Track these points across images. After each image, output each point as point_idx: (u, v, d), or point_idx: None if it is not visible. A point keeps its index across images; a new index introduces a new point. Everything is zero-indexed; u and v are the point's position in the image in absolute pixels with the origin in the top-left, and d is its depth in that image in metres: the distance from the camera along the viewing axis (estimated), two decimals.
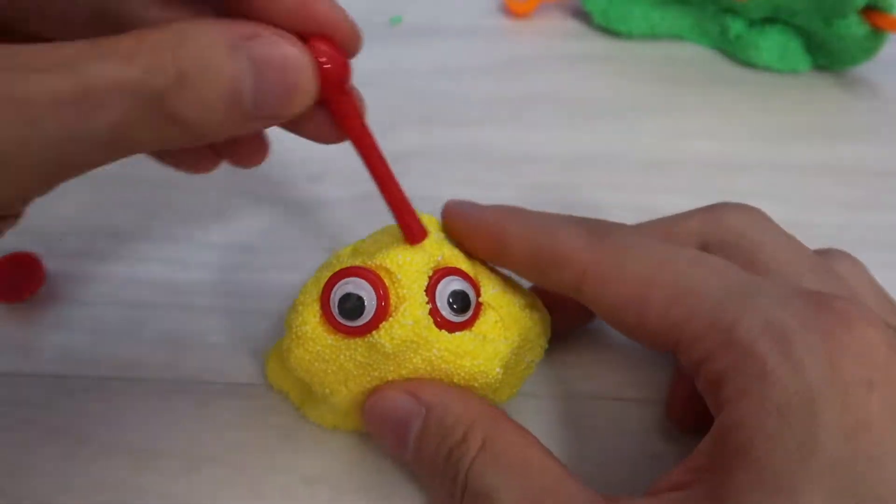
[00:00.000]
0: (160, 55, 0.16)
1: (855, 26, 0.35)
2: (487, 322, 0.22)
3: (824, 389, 0.16)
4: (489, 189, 0.32)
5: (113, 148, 0.16)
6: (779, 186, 0.33)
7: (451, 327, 0.21)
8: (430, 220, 0.25)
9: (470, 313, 0.22)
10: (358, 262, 0.22)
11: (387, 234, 0.24)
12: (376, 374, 0.21)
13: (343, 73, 0.19)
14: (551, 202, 0.32)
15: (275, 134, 0.35)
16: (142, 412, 0.25)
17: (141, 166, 0.33)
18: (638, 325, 0.20)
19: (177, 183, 0.32)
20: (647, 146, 0.35)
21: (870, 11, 0.35)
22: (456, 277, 0.22)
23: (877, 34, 0.36)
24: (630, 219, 0.31)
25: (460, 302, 0.22)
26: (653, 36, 0.41)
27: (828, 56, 0.39)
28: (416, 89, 0.38)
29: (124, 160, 0.29)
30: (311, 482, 0.23)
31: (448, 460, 0.19)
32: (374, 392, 0.21)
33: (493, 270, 0.23)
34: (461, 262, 0.23)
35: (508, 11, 0.42)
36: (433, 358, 0.21)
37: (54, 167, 0.16)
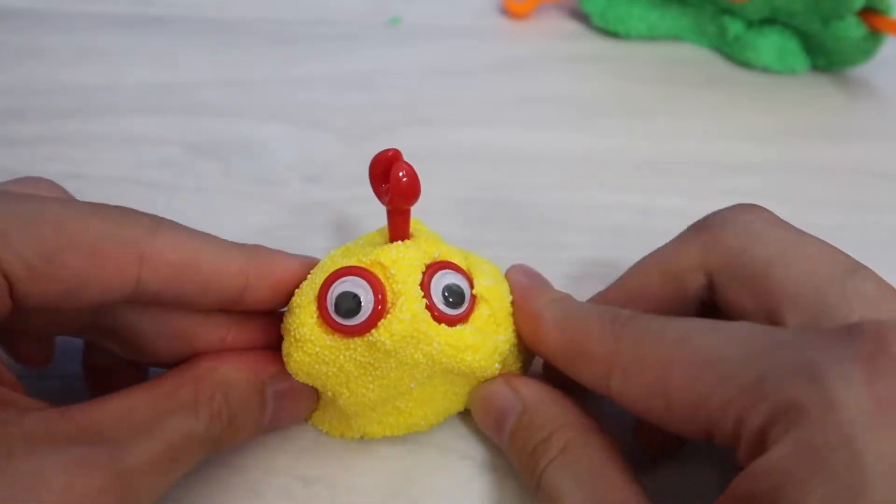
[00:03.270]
0: (215, 403, 0.20)
1: (853, 28, 0.35)
2: (480, 317, 0.22)
3: (865, 424, 0.15)
4: (489, 189, 0.33)
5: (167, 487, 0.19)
6: (777, 186, 0.33)
7: (449, 321, 0.21)
8: (417, 222, 0.25)
9: (465, 306, 0.22)
10: (353, 262, 0.22)
11: (378, 235, 0.24)
12: (378, 373, 0.21)
13: (410, 196, 0.22)
14: (550, 202, 0.32)
15: (274, 134, 0.35)
16: None
17: (142, 166, 0.33)
18: (666, 410, 0.18)
19: (176, 183, 0.33)
20: (645, 146, 0.35)
21: (867, 13, 0.35)
22: (449, 271, 0.22)
23: (874, 36, 0.36)
24: (629, 219, 0.31)
25: (455, 295, 0.22)
26: (651, 37, 0.41)
27: (826, 57, 0.39)
28: (416, 89, 0.38)
29: (120, 158, 0.29)
30: (311, 483, 0.23)
31: (532, 456, 0.20)
32: (483, 382, 0.23)
33: (486, 263, 0.24)
34: (455, 257, 0.23)
35: (507, 12, 0.42)
36: (434, 352, 0.21)
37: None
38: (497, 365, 0.22)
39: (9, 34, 0.40)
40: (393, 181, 0.21)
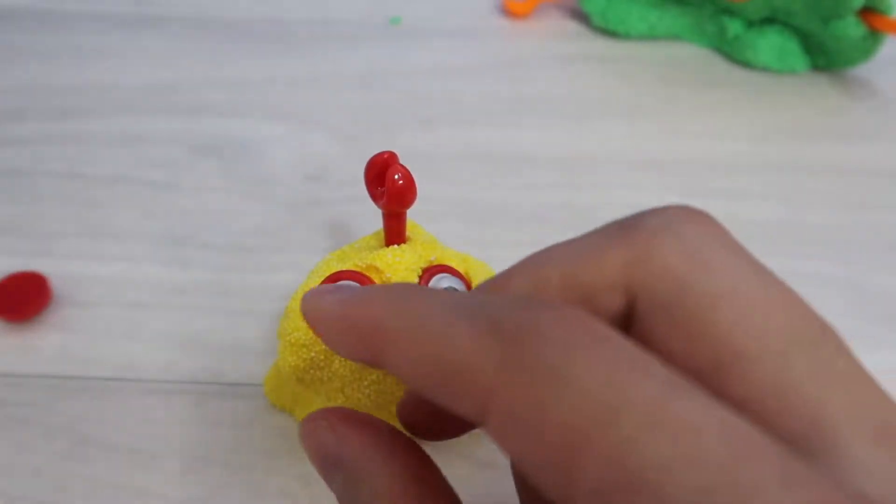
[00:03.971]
0: None
1: (852, 27, 0.35)
2: None
3: None
4: (488, 189, 0.33)
5: None
6: (777, 186, 0.33)
7: None
8: (415, 225, 0.25)
9: None
10: (348, 266, 0.22)
11: (374, 239, 0.24)
12: (374, 378, 0.21)
13: (406, 199, 0.21)
14: (551, 202, 0.32)
15: (274, 134, 0.35)
16: (141, 412, 0.25)
17: (142, 166, 0.33)
18: (560, 492, 0.12)
19: (177, 183, 0.33)
20: (645, 146, 0.35)
21: (867, 13, 0.35)
22: (446, 275, 0.22)
23: (874, 35, 0.36)
24: None
25: None
26: (651, 36, 0.41)
27: (825, 57, 0.39)
28: (416, 89, 0.38)
29: (120, 158, 0.29)
30: (310, 482, 0.23)
31: None
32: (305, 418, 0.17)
33: (484, 267, 0.23)
34: (452, 260, 0.23)
35: (507, 12, 0.42)
36: None
37: None
38: None
39: (9, 34, 0.40)
40: (388, 184, 0.21)
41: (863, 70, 0.39)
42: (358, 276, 0.21)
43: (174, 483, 0.23)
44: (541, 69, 0.39)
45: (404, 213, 0.22)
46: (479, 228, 0.31)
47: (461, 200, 0.32)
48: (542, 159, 0.34)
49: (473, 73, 0.39)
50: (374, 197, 0.22)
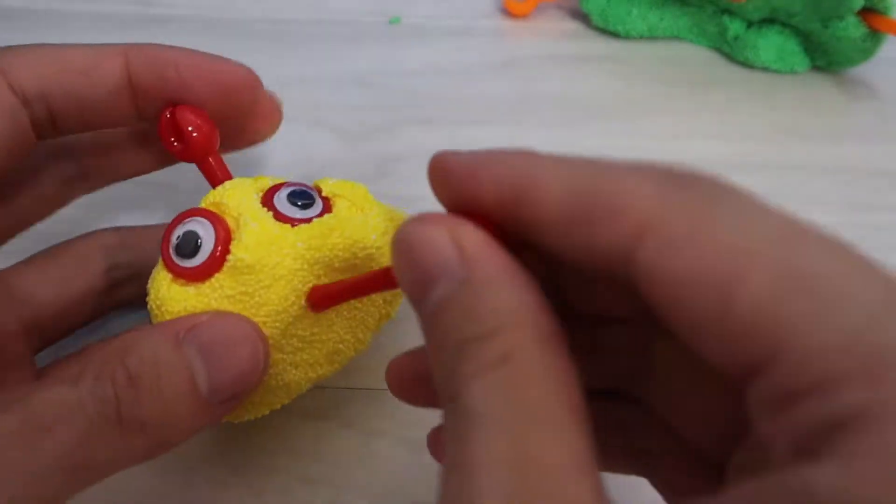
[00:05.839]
0: (107, 366, 0.17)
1: (852, 28, 0.35)
2: (342, 209, 0.21)
3: None
4: None
5: (72, 474, 0.17)
6: (777, 186, 0.33)
7: (306, 221, 0.20)
8: (345, 184, 0.23)
9: (318, 207, 0.21)
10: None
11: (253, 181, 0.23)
12: (257, 299, 0.19)
13: (210, 142, 0.21)
14: None
15: (274, 134, 0.35)
16: None
17: None
18: (716, 316, 0.12)
19: (177, 183, 0.33)
20: (645, 146, 0.35)
21: (867, 13, 0.35)
22: (289, 185, 0.21)
23: (874, 36, 0.36)
24: None
25: (304, 197, 0.21)
26: (651, 36, 0.41)
27: (826, 57, 0.39)
28: (416, 89, 0.38)
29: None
30: (310, 482, 0.23)
31: (457, 353, 0.14)
32: (414, 218, 0.16)
33: (380, 204, 0.23)
34: (344, 189, 0.22)
35: (507, 12, 0.42)
36: (301, 250, 0.20)
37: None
38: (373, 236, 0.21)
39: (9, 34, 0.40)
40: (187, 138, 0.20)
41: (863, 69, 0.39)
42: (192, 213, 0.20)
43: (173, 483, 0.23)
44: (540, 69, 0.39)
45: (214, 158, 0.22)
46: None
47: None
48: None
49: (473, 72, 0.39)
50: (174, 153, 0.21)
